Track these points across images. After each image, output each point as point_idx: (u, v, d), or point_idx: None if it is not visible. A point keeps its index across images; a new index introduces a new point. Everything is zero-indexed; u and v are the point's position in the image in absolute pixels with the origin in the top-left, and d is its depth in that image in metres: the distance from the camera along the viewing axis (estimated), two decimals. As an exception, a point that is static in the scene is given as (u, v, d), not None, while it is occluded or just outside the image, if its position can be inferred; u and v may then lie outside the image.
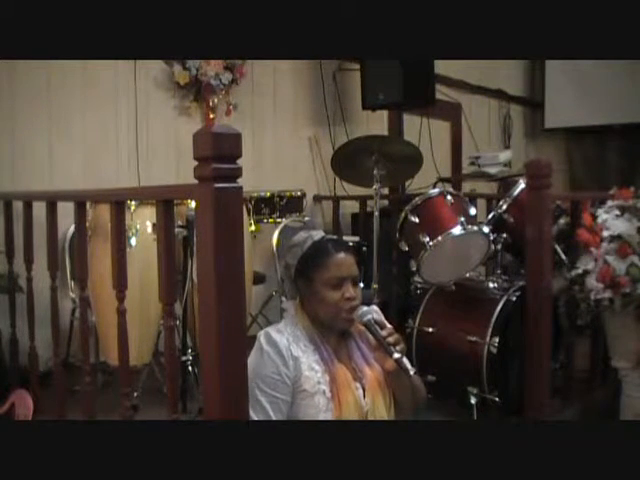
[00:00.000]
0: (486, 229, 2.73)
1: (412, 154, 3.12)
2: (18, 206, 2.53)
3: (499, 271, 2.91)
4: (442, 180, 4.19)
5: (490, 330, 2.64)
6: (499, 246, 2.85)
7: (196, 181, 1.37)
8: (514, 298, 2.73)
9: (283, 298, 2.27)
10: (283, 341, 1.66)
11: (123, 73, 3.49)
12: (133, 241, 2.64)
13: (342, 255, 1.71)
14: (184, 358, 2.74)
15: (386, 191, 4.11)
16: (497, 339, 2.62)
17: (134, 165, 3.53)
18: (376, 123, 4.69)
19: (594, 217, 2.53)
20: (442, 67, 4.62)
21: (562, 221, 2.95)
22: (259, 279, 3.48)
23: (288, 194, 3.74)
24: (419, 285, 3.07)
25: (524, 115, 6.61)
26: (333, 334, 1.74)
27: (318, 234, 1.77)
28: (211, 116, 3.79)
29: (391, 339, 1.66)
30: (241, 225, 1.40)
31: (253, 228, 3.47)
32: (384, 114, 4.84)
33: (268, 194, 3.68)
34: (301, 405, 1.64)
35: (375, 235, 3.08)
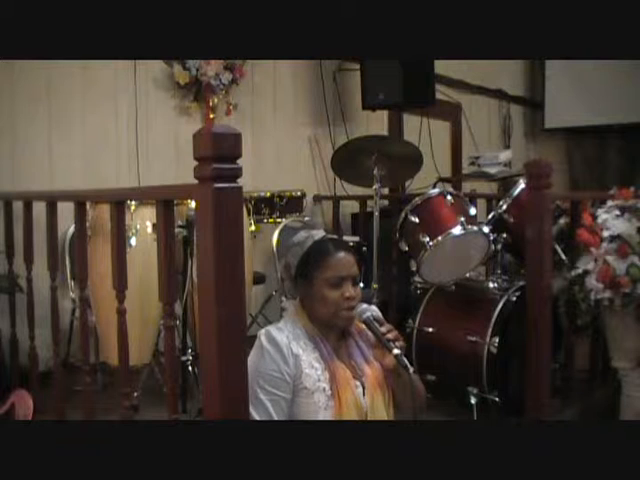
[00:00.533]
0: (486, 229, 2.73)
1: (412, 154, 3.12)
2: (18, 206, 2.53)
3: (499, 271, 2.92)
4: (442, 180, 4.18)
5: (490, 330, 2.65)
6: (499, 246, 2.85)
7: (196, 181, 1.38)
8: (514, 298, 2.73)
9: (283, 297, 2.27)
10: (283, 339, 1.66)
11: (123, 73, 3.48)
12: (133, 241, 2.64)
13: (342, 254, 1.71)
14: (184, 358, 2.73)
15: (386, 191, 4.11)
16: (497, 339, 2.62)
17: (134, 165, 3.52)
18: (376, 123, 4.68)
19: (594, 217, 2.53)
20: (442, 67, 4.63)
21: (562, 221, 2.95)
22: (259, 279, 3.48)
23: (288, 194, 3.74)
24: (419, 285, 3.07)
25: (524, 115, 6.62)
26: (333, 333, 1.75)
27: (319, 233, 1.78)
28: (211, 116, 3.78)
29: (390, 335, 1.66)
30: (241, 225, 1.40)
31: (253, 228, 3.47)
32: (384, 114, 4.84)
33: (268, 194, 3.67)
34: (301, 403, 1.64)
35: (375, 235, 3.07)
